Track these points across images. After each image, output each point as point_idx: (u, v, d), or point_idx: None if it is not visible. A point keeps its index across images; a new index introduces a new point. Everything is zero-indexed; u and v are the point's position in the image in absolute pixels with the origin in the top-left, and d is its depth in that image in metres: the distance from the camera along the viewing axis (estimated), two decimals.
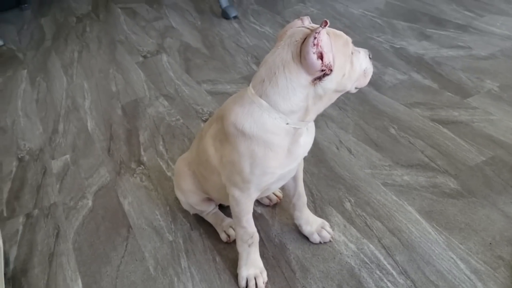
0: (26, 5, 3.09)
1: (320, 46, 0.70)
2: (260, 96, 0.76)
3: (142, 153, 1.43)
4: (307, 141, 0.85)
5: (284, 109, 0.76)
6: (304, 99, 0.75)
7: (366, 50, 0.81)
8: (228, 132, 0.80)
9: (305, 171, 1.23)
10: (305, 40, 0.71)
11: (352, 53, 0.77)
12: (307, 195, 1.15)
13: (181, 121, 1.56)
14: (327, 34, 0.71)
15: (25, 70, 2.15)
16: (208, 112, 1.58)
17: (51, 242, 1.14)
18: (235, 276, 0.98)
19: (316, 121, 1.43)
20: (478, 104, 1.39)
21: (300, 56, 0.72)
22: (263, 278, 0.95)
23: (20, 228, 1.21)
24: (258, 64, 1.84)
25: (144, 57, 2.08)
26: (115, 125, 1.60)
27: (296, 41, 0.73)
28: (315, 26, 0.75)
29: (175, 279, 1.00)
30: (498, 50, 1.65)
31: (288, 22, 2.19)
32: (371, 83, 1.59)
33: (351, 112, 1.45)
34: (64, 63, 2.16)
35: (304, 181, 1.20)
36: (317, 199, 1.15)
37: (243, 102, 0.79)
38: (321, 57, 0.70)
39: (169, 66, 1.96)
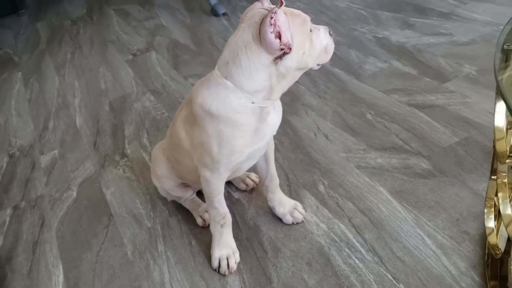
0: (23, 10, 3.15)
1: (278, 25, 0.73)
2: (225, 78, 0.79)
3: (127, 146, 1.46)
4: (275, 120, 0.87)
5: (248, 88, 0.78)
6: (267, 78, 0.78)
7: (326, 27, 0.84)
8: (196, 114, 0.83)
9: (283, 157, 1.26)
10: (263, 20, 0.74)
11: (311, 30, 0.80)
12: (283, 179, 1.18)
13: (166, 114, 1.59)
14: (284, 13, 0.74)
15: (20, 72, 2.20)
16: None
17: (35, 232, 1.18)
18: (209, 258, 1.01)
19: (296, 110, 1.45)
20: (455, 88, 1.41)
21: (260, 36, 0.74)
22: (235, 258, 0.98)
23: (7, 219, 1.25)
24: None
25: (134, 55, 2.12)
26: (102, 121, 1.63)
27: (255, 22, 0.76)
28: (273, 6, 0.78)
29: (151, 262, 1.03)
30: (478, 36, 1.67)
31: None
32: (351, 72, 1.61)
33: (330, 101, 1.47)
34: (57, 64, 2.21)
35: (280, 166, 1.22)
36: (292, 182, 1.17)
37: (209, 84, 0.82)
38: (279, 36, 0.73)
39: (158, 62, 2.00)
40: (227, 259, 0.97)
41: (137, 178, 1.30)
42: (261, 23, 0.74)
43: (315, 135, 1.33)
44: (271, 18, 0.72)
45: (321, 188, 1.14)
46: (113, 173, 1.34)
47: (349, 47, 1.79)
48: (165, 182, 1.07)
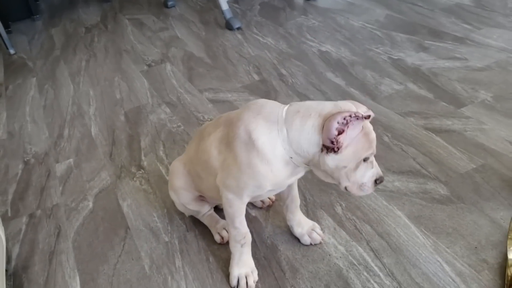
0: (37, 16, 3.18)
1: (348, 127, 0.75)
2: (285, 123, 0.81)
3: (143, 158, 1.47)
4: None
5: (294, 147, 0.81)
6: (312, 154, 0.80)
7: (379, 173, 0.83)
8: (238, 137, 0.84)
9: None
10: (339, 113, 0.76)
11: (365, 160, 0.81)
12: (300, 199, 1.18)
13: (182, 127, 1.60)
14: (362, 127, 0.77)
15: (34, 78, 2.22)
16: (209, 119, 1.62)
17: (52, 241, 1.19)
18: (227, 276, 1.01)
19: None
20: (471, 113, 1.42)
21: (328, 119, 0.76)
22: (253, 277, 0.98)
23: (23, 227, 1.25)
24: (259, 73, 1.89)
25: (149, 66, 2.14)
26: (117, 131, 1.64)
27: (340, 110, 0.77)
28: (363, 113, 0.79)
29: (169, 277, 1.03)
30: (493, 62, 1.68)
31: (290, 34, 2.24)
32: (367, 92, 1.62)
33: None
34: (72, 71, 2.22)
35: (298, 186, 1.23)
36: (310, 203, 1.18)
37: (270, 118, 0.83)
38: (340, 133, 0.75)
39: (173, 74, 2.01)
40: (246, 278, 0.98)
41: (153, 191, 1.31)
42: (336, 114, 0.76)
43: None
44: (351, 116, 0.74)
45: (339, 209, 1.14)
46: (130, 185, 1.35)
47: (364, 67, 1.80)
48: (182, 194, 1.08)
